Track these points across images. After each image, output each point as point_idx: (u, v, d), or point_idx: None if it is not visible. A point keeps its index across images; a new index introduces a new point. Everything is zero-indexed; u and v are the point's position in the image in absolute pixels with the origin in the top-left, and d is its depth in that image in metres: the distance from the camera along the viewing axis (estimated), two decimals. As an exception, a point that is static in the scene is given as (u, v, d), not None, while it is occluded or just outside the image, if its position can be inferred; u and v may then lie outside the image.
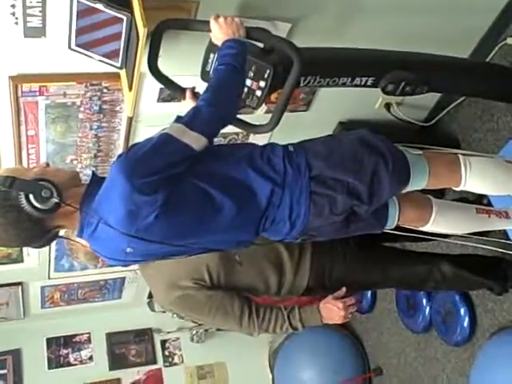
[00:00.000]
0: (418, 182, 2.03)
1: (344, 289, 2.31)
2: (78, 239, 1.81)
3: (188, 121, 1.72)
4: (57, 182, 1.65)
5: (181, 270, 2.24)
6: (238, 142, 3.03)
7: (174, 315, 4.25)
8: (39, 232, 1.68)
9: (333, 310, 2.27)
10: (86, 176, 2.93)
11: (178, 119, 1.75)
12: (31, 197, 1.60)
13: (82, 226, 1.70)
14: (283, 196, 1.83)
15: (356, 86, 2.34)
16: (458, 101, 3.07)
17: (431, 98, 3.15)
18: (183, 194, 1.69)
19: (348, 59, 2.32)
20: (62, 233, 1.92)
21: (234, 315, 2.23)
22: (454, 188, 2.13)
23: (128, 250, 1.72)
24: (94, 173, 1.80)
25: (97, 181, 1.75)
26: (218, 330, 4.37)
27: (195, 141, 1.70)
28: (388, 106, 3.09)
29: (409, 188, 2.03)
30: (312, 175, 1.87)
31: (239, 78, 1.87)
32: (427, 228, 2.21)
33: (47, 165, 1.75)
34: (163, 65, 2.29)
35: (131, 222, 1.64)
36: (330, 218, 1.91)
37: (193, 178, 1.72)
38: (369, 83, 2.34)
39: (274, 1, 2.39)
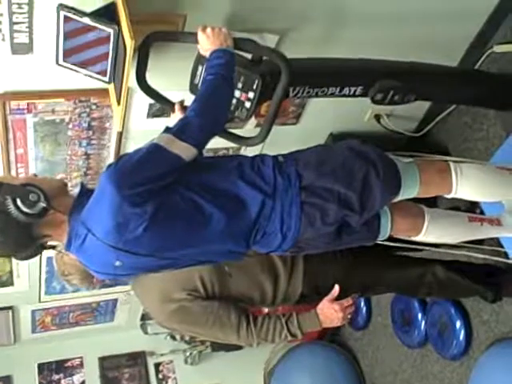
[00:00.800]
0: (410, 190, 2.02)
1: (337, 287, 2.26)
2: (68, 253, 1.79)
3: (177, 131, 1.71)
4: (44, 189, 1.64)
5: (173, 283, 2.21)
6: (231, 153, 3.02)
7: (167, 337, 4.21)
8: (26, 239, 1.66)
9: (330, 314, 2.23)
10: (76, 194, 2.94)
11: (167, 130, 1.74)
12: (18, 201, 1.59)
13: (70, 238, 1.68)
14: (274, 207, 1.82)
15: (345, 95, 2.34)
16: (448, 111, 3.08)
17: (420, 109, 3.16)
18: (172, 204, 1.68)
19: (336, 69, 2.32)
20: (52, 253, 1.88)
21: (231, 325, 2.19)
22: (445, 195, 2.12)
23: (117, 263, 1.69)
24: (82, 184, 1.79)
25: (86, 192, 1.74)
26: (214, 350, 4.33)
27: (184, 151, 1.69)
28: (378, 117, 3.10)
29: (400, 196, 2.02)
30: (302, 185, 1.87)
31: (228, 87, 1.87)
32: (420, 237, 2.19)
33: (35, 175, 1.74)
34: (151, 80, 2.28)
35: (119, 235, 1.62)
36: (321, 229, 1.89)
37: (182, 189, 1.71)
38: (357, 93, 2.34)
39: (261, 13, 2.40)
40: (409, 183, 2.01)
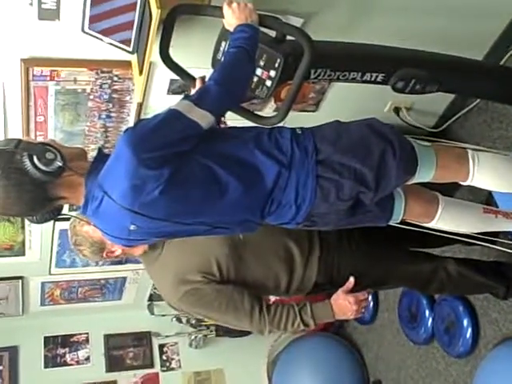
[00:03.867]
0: (425, 173, 2.01)
1: (352, 279, 2.28)
2: (82, 217, 1.80)
3: (196, 98, 1.72)
4: (62, 152, 1.65)
5: (189, 264, 2.21)
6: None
7: (174, 319, 4.23)
8: (41, 198, 1.66)
9: (345, 305, 2.23)
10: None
11: (186, 97, 1.75)
12: (35, 158, 1.59)
13: (86, 201, 1.69)
14: (289, 178, 1.81)
15: (366, 81, 2.33)
16: (467, 108, 3.06)
17: (440, 105, 3.14)
18: (189, 171, 1.68)
19: (359, 54, 2.31)
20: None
21: (245, 311, 2.18)
22: (461, 182, 2.11)
23: (131, 227, 1.70)
24: (100, 149, 1.80)
25: (103, 157, 1.75)
26: (218, 335, 4.34)
27: (202, 118, 1.69)
28: (397, 110, 3.08)
29: (415, 179, 2.01)
30: (319, 159, 1.86)
31: (249, 61, 1.87)
32: (433, 224, 2.18)
33: (53, 141, 1.75)
34: (174, 56, 2.29)
35: (135, 197, 1.62)
36: (335, 204, 1.89)
37: (200, 157, 1.71)
38: (379, 79, 2.33)
39: (286, -5, 2.40)
40: (425, 166, 1.99)
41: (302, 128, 1.96)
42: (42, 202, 1.68)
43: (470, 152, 2.07)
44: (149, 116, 2.69)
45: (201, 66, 2.46)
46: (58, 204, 1.75)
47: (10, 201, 1.62)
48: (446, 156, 2.05)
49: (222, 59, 1.92)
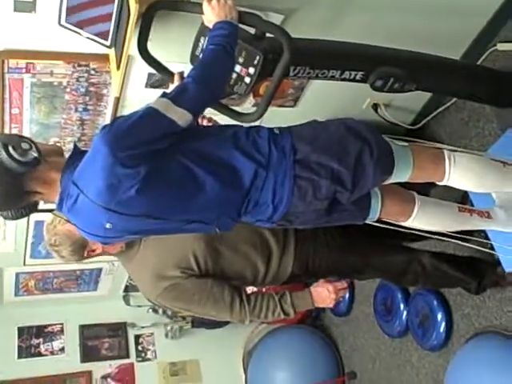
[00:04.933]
0: (402, 173, 2.03)
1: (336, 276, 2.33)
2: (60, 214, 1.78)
3: (174, 96, 1.70)
4: (38, 146, 1.64)
5: (166, 260, 2.21)
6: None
7: (150, 310, 4.22)
8: (16, 191, 1.66)
9: (324, 294, 2.26)
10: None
11: (164, 94, 1.73)
12: (10, 148, 1.59)
13: (61, 198, 1.68)
14: (267, 178, 1.81)
15: (345, 79, 2.33)
16: (445, 106, 3.08)
17: (418, 102, 3.16)
18: (166, 169, 1.68)
19: (339, 52, 2.31)
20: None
21: (225, 303, 2.20)
22: (437, 182, 2.13)
23: (107, 225, 1.69)
24: (75, 145, 1.79)
25: (79, 153, 1.74)
26: (194, 326, 4.35)
27: (180, 116, 1.68)
28: (376, 106, 3.10)
29: (392, 179, 2.03)
30: (297, 158, 1.86)
31: (228, 58, 1.86)
32: (409, 223, 2.20)
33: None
34: (153, 50, 2.27)
35: (111, 195, 1.61)
36: (312, 203, 1.89)
37: (177, 155, 1.70)
38: (358, 78, 2.33)
39: (266, -9, 2.39)
40: (402, 166, 2.01)
41: (279, 128, 1.96)
42: (16, 196, 1.68)
43: (446, 152, 2.09)
44: (126, 110, 2.76)
45: (179, 61, 2.45)
46: (33, 199, 1.73)
47: None
48: (423, 156, 2.06)
49: (201, 56, 1.90)
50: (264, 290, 2.85)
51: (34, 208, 1.78)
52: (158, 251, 2.23)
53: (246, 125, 2.05)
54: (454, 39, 2.75)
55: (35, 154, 1.60)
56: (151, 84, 2.67)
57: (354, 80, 2.35)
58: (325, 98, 2.99)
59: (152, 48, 2.26)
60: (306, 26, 2.53)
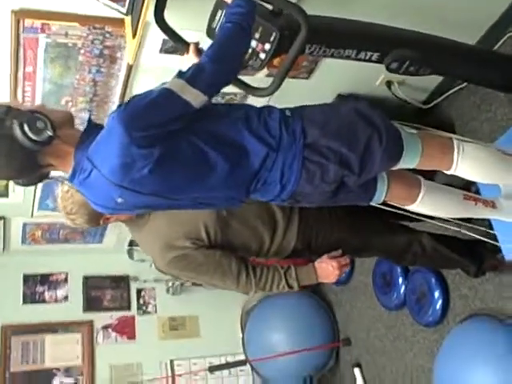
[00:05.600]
0: (410, 161, 2.04)
1: (340, 250, 2.37)
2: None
3: (190, 77, 1.70)
4: (52, 118, 1.65)
5: (177, 231, 2.25)
6: (236, 102, 3.01)
7: (152, 265, 4.28)
8: (30, 165, 1.68)
9: (328, 269, 2.33)
10: (80, 120, 2.94)
11: (180, 75, 1.72)
12: (25, 126, 1.60)
13: (74, 171, 1.70)
14: (276, 160, 1.83)
15: (360, 60, 2.32)
16: (458, 87, 3.06)
17: (432, 81, 3.13)
18: (178, 149, 1.69)
19: (356, 32, 2.29)
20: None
21: (232, 274, 2.26)
22: (444, 171, 2.14)
23: (119, 200, 1.72)
24: (90, 119, 1.80)
25: (93, 127, 1.76)
26: (195, 284, 4.43)
27: (195, 98, 1.68)
28: (389, 83, 3.07)
29: (400, 165, 2.04)
30: (306, 142, 1.87)
31: (245, 37, 1.85)
32: (413, 207, 2.21)
33: (43, 106, 1.74)
34: (169, 16, 2.25)
35: (125, 174, 1.64)
36: (320, 186, 1.92)
37: (189, 135, 1.71)
38: (373, 58, 2.32)
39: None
40: (410, 153, 2.02)
41: (291, 109, 1.96)
42: (30, 169, 1.70)
43: (455, 142, 2.09)
44: (139, 75, 2.76)
45: (195, 28, 2.43)
46: (46, 171, 1.76)
47: (0, 167, 1.64)
48: (432, 145, 2.07)
49: (217, 34, 1.88)
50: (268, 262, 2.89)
51: (45, 177, 1.81)
52: (168, 221, 2.27)
53: (257, 104, 2.06)
54: (472, 22, 2.71)
55: (50, 133, 1.62)
56: (166, 49, 2.65)
57: (369, 60, 2.34)
58: (339, 73, 2.97)
59: (168, 15, 2.24)
60: (323, 1, 2.51)
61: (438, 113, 3.17)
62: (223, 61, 1.76)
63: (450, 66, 2.43)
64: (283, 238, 2.41)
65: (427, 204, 2.21)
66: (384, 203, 2.19)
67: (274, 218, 2.40)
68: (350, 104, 2.03)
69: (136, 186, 1.68)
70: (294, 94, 2.80)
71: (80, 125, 2.91)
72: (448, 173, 2.13)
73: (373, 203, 2.16)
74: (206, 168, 1.75)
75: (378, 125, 1.94)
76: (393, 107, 3.16)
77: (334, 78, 3.01)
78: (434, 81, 3.12)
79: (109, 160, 1.64)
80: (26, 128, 1.59)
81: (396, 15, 2.44)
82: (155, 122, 1.63)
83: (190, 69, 1.74)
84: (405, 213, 2.25)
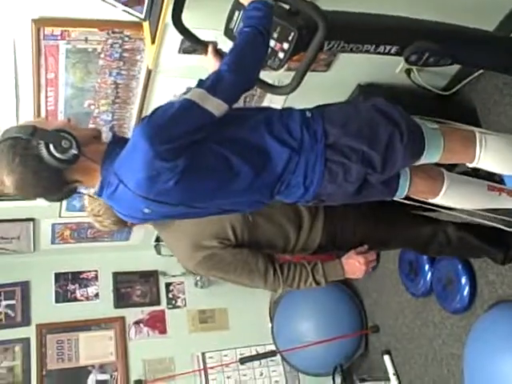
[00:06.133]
0: (432, 156, 2.04)
1: (366, 246, 2.39)
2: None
3: (210, 86, 1.71)
4: (77, 136, 1.68)
5: (204, 231, 2.28)
6: (255, 98, 3.03)
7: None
8: (57, 183, 1.71)
9: (355, 265, 2.35)
10: (102, 121, 2.98)
11: (200, 84, 1.73)
12: (51, 146, 1.63)
13: (102, 186, 1.73)
14: (299, 162, 1.85)
15: (379, 53, 2.32)
16: (479, 72, 3.02)
17: (452, 67, 3.07)
18: (202, 159, 1.71)
19: (374, 26, 2.28)
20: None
21: (259, 272, 2.29)
22: (467, 164, 2.13)
23: (146, 210, 1.76)
24: (114, 133, 1.83)
25: (118, 141, 1.78)
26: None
27: (216, 107, 1.70)
28: (409, 71, 3.05)
29: (422, 161, 2.04)
30: (328, 143, 1.88)
31: (263, 42, 1.85)
32: (437, 200, 2.22)
33: (68, 120, 1.77)
34: (186, 16, 2.26)
35: (151, 186, 1.67)
36: (343, 186, 1.93)
37: (212, 144, 1.73)
38: (392, 52, 2.32)
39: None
40: (432, 149, 2.02)
41: (311, 110, 1.97)
42: (57, 186, 1.74)
43: (477, 135, 2.08)
44: (159, 76, 2.78)
45: (212, 27, 2.45)
46: (73, 187, 1.79)
47: (28, 186, 1.68)
48: (453, 139, 2.06)
49: (235, 40, 1.89)
50: (294, 259, 2.92)
51: (74, 192, 1.85)
52: (195, 221, 2.28)
53: (277, 102, 2.07)
54: (490, 7, 2.67)
55: (75, 152, 1.64)
56: (184, 49, 2.67)
57: (388, 54, 2.33)
58: (358, 63, 2.95)
59: (185, 14, 2.25)
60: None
61: (459, 98, 3.15)
62: (242, 68, 1.77)
63: (470, 56, 2.41)
64: (309, 234, 2.43)
65: (450, 197, 2.21)
66: (407, 197, 2.19)
67: (300, 215, 2.42)
68: (370, 101, 2.04)
69: (162, 198, 1.71)
70: (314, 87, 2.80)
71: (104, 125, 3.04)
72: (471, 166, 2.12)
73: (396, 198, 2.16)
74: (231, 175, 1.77)
75: (398, 122, 1.94)
76: (413, 95, 3.14)
77: (353, 68, 3.00)
78: (454, 67, 3.07)
79: (134, 174, 1.66)
80: (51, 148, 1.62)
81: (412, 4, 2.42)
82: (178, 134, 1.65)
83: (209, 77, 1.75)
84: (428, 206, 2.25)
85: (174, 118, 1.66)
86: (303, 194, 1.93)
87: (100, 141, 1.81)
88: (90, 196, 2.22)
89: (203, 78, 1.77)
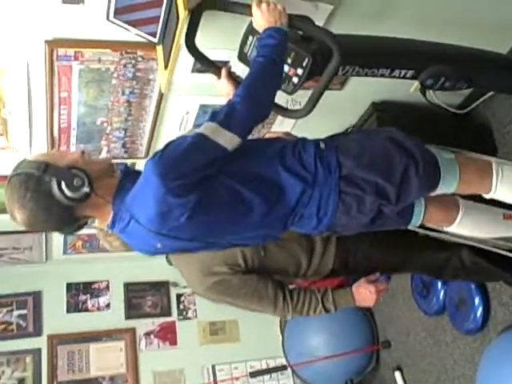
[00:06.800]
0: (447, 187, 2.01)
1: (378, 274, 2.36)
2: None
3: (222, 120, 1.69)
4: (89, 172, 1.67)
5: (215, 257, 2.27)
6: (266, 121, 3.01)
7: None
8: (68, 219, 1.71)
9: (365, 294, 2.32)
10: (115, 138, 2.98)
11: (213, 117, 1.71)
12: (63, 184, 1.62)
13: (114, 221, 1.72)
14: (313, 195, 1.83)
15: (394, 77, 2.30)
16: (494, 90, 2.99)
17: (468, 85, 3.08)
18: (215, 194, 1.69)
19: (388, 50, 2.26)
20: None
21: (269, 299, 2.28)
22: (483, 195, 2.10)
23: (159, 245, 1.75)
24: (126, 166, 1.81)
25: (130, 174, 1.77)
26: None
27: (229, 141, 1.68)
28: (424, 90, 3.00)
29: (437, 192, 2.02)
30: (342, 174, 1.86)
31: (277, 71, 1.84)
32: (452, 229, 2.19)
33: (82, 153, 1.75)
34: (200, 36, 2.24)
35: (163, 222, 1.66)
36: (357, 217, 1.91)
37: (224, 178, 1.71)
38: (408, 76, 2.30)
39: (317, -19, 2.32)
40: (447, 180, 1.99)
41: (325, 141, 1.94)
42: (68, 222, 1.73)
43: (494, 165, 2.05)
44: (172, 94, 2.76)
45: (225, 47, 2.44)
46: (84, 221, 1.78)
47: (39, 222, 1.68)
48: (469, 170, 2.03)
49: (249, 70, 1.86)
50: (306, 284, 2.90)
51: (85, 225, 1.84)
52: None
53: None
54: (504, 30, 2.64)
55: (87, 190, 1.63)
56: (197, 69, 2.65)
57: (403, 77, 2.31)
58: (372, 81, 2.86)
59: (198, 34, 2.23)
60: (355, 16, 2.48)
61: (474, 117, 3.12)
62: (255, 100, 1.75)
63: (486, 79, 2.39)
64: (321, 259, 2.41)
65: (465, 225, 2.18)
66: (421, 226, 2.17)
67: (311, 240, 2.40)
68: (384, 131, 2.02)
69: (174, 233, 1.70)
70: (328, 105, 2.77)
71: (115, 142, 3.03)
72: (487, 197, 2.09)
73: (410, 227, 2.14)
74: (243, 209, 1.76)
75: (413, 153, 1.92)
76: (428, 113, 3.10)
77: (367, 86, 2.96)
78: (469, 86, 3.06)
79: (146, 210, 1.65)
80: (63, 186, 1.62)
81: (423, 27, 2.41)
82: (190, 169, 1.63)
83: (222, 110, 1.73)
84: (442, 235, 2.22)
85: (186, 153, 1.64)
86: (317, 226, 1.91)
87: (112, 174, 1.79)
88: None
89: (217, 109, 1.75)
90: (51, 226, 1.72)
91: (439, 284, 3.44)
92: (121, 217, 1.70)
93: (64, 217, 1.68)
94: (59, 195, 1.62)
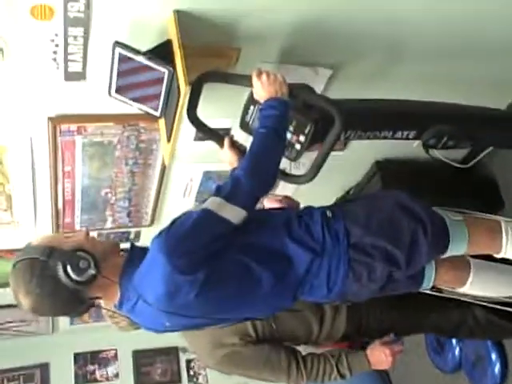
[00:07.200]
0: (457, 249, 2.00)
1: (392, 335, 2.34)
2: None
3: (228, 195, 1.68)
4: (94, 253, 1.65)
5: (225, 328, 2.22)
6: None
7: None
8: (75, 303, 1.68)
9: (381, 357, 2.31)
10: (119, 208, 2.97)
11: (218, 191, 1.71)
12: (68, 268, 1.60)
13: (121, 300, 1.70)
14: (322, 264, 1.81)
15: (397, 138, 2.30)
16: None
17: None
18: (222, 269, 1.67)
19: (389, 113, 2.26)
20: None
21: (282, 368, 2.25)
22: (494, 255, 2.08)
23: (167, 324, 1.72)
24: (132, 244, 1.79)
25: (136, 253, 1.74)
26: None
27: (235, 215, 1.67)
28: (427, 146, 3.02)
29: (447, 254, 2.00)
30: (351, 242, 1.84)
31: (280, 142, 1.84)
32: (464, 290, 2.17)
33: (87, 233, 1.73)
34: (202, 106, 2.26)
35: (170, 301, 1.63)
36: (367, 285, 1.88)
37: (231, 252, 1.70)
38: (410, 136, 2.30)
39: (315, 47, 2.35)
40: (457, 243, 1.98)
41: (331, 209, 1.93)
42: (75, 306, 1.70)
43: (503, 225, 2.04)
44: (175, 162, 2.77)
45: (226, 116, 2.46)
46: (91, 303, 1.76)
47: (44, 307, 1.65)
48: (479, 231, 2.02)
49: (252, 142, 1.84)
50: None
51: (92, 306, 1.81)
52: None
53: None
54: (502, 86, 2.66)
55: (93, 272, 1.62)
56: (200, 137, 2.67)
57: (406, 139, 2.32)
58: (375, 141, 2.93)
59: (202, 103, 2.24)
60: (354, 78, 2.51)
61: (479, 170, 3.10)
62: (259, 172, 1.75)
63: (488, 137, 2.39)
64: (332, 324, 2.38)
65: (477, 285, 2.16)
66: (433, 288, 2.14)
67: (322, 306, 2.37)
68: (391, 195, 2.01)
69: (183, 311, 1.67)
70: (331, 167, 2.77)
71: (120, 212, 3.02)
72: (497, 256, 2.07)
73: (421, 290, 2.11)
74: (251, 282, 1.73)
75: (421, 217, 1.90)
76: (432, 169, 3.10)
77: (369, 145, 2.93)
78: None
79: (153, 289, 1.63)
80: (69, 269, 1.60)
81: (425, 85, 2.43)
82: (196, 246, 1.62)
83: (226, 184, 1.73)
84: (454, 296, 2.19)
85: (192, 230, 1.63)
86: (327, 294, 1.88)
87: (118, 254, 1.77)
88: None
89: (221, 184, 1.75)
90: (58, 310, 1.71)
91: (454, 341, 3.37)
92: (128, 296, 1.68)
93: (71, 300, 1.66)
94: (65, 279, 1.60)
